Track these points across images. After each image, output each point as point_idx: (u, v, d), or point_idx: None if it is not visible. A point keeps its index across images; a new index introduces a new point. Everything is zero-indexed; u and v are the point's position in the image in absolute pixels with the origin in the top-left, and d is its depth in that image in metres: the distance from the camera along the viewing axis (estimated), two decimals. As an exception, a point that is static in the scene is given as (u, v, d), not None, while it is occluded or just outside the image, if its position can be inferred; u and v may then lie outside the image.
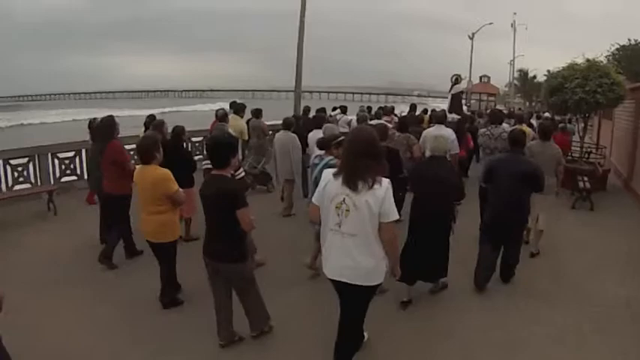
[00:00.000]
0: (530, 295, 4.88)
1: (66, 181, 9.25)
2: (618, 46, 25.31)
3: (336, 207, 2.93)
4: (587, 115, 10.56)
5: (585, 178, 8.91)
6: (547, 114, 16.82)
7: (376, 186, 2.86)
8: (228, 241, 3.51)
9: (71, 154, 9.40)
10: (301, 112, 10.31)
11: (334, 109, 12.04)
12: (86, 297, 4.69)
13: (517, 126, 7.64)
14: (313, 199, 3.18)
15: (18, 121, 39.94)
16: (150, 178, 4.15)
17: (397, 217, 2.95)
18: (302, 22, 14.17)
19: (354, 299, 3.13)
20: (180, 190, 4.27)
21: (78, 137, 9.73)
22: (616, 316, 4.48)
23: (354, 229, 2.91)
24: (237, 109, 9.36)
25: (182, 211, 5.01)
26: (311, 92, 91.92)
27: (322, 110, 10.02)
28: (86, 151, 8.95)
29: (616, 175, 11.25)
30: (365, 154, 2.88)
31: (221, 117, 8.17)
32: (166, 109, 47.33)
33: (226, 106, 9.47)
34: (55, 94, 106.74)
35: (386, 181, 2.92)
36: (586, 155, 11.10)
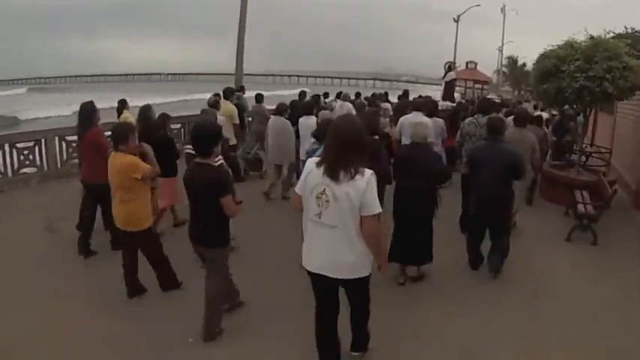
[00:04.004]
0: None
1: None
2: (614, 35, 23.13)
3: (317, 197, 2.85)
4: (589, 108, 8.17)
5: (586, 195, 6.58)
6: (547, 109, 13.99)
7: (358, 176, 2.74)
8: (213, 226, 3.55)
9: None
10: (297, 97, 10.40)
11: (338, 95, 12.18)
12: None
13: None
14: (296, 189, 3.08)
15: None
16: (115, 166, 4.12)
17: (379, 210, 2.81)
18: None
19: (350, 291, 3.07)
20: (148, 166, 4.20)
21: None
22: None
23: (334, 220, 2.81)
24: (226, 93, 9.69)
25: (162, 202, 5.22)
26: (289, 76, 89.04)
27: (316, 97, 10.61)
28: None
29: (619, 185, 8.93)
30: (349, 143, 2.77)
31: (212, 103, 8.10)
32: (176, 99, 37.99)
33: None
34: (64, 77, 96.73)
35: (368, 172, 2.79)
36: (584, 159, 8.79)
